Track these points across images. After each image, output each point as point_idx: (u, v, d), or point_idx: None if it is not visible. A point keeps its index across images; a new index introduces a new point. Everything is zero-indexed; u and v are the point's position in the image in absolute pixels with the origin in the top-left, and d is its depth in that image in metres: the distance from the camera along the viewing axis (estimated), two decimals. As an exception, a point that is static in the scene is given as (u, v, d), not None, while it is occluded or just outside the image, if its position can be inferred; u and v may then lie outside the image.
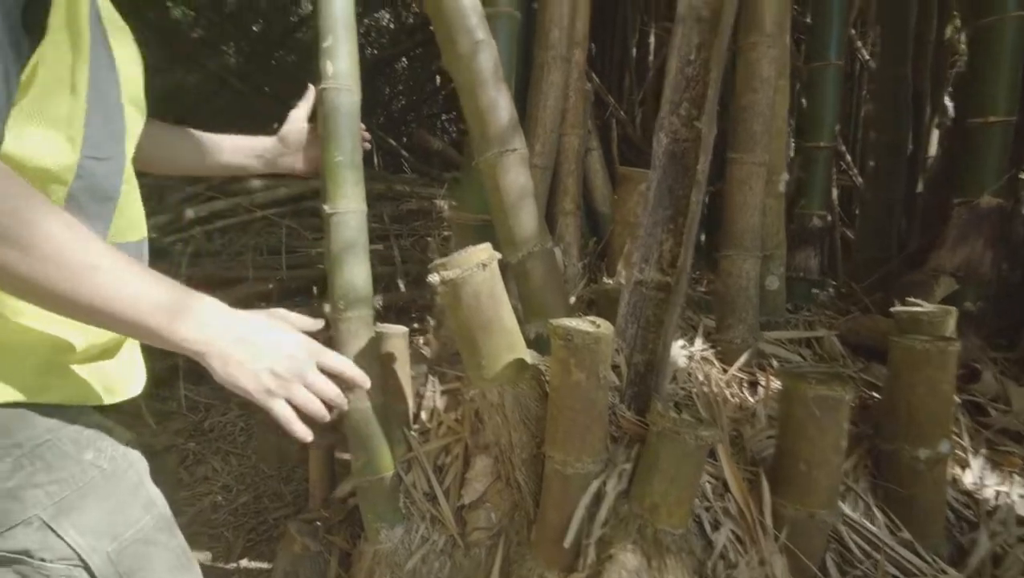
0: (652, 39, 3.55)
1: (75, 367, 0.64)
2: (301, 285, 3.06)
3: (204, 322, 0.61)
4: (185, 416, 2.58)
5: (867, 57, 2.74)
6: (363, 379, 0.75)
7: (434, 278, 0.91)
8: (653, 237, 1.07)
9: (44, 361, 0.61)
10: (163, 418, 2.56)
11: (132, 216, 0.70)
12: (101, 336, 0.65)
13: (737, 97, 1.22)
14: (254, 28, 5.28)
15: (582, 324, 0.91)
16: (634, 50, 3.48)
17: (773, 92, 1.21)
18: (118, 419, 0.74)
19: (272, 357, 0.65)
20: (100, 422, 0.68)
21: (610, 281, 1.39)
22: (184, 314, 0.59)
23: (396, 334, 1.18)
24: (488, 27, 1.06)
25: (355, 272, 1.05)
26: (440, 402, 1.27)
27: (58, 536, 0.61)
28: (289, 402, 0.66)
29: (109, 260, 0.54)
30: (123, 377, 0.71)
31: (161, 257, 2.69)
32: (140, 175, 0.75)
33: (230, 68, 5.34)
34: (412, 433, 1.22)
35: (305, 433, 0.68)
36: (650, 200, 1.07)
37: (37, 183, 0.54)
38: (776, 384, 1.21)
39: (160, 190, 2.88)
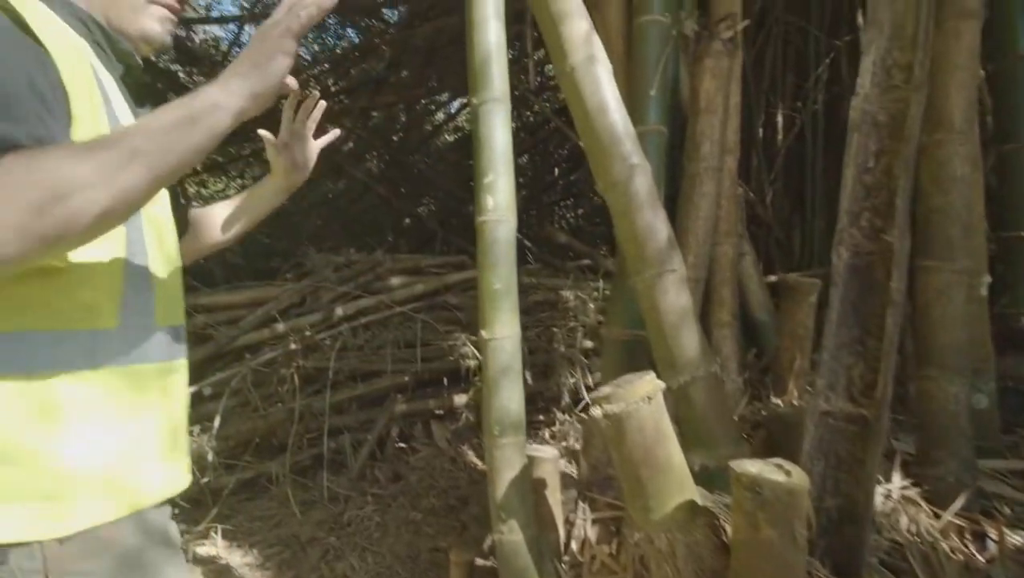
0: (780, 118, 3.42)
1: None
2: (434, 376, 3.17)
3: (225, 88, 0.65)
4: (326, 507, 2.68)
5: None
6: None
7: (596, 412, 0.87)
8: (838, 361, 0.95)
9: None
10: (307, 507, 2.69)
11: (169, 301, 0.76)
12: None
13: (925, 198, 1.09)
14: (394, 138, 5.91)
15: (769, 470, 0.81)
16: (760, 130, 3.37)
17: (969, 190, 1.07)
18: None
19: (269, 43, 0.67)
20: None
21: (778, 401, 1.25)
22: (215, 99, 0.64)
23: (547, 459, 1.14)
24: (640, 149, 1.06)
25: (510, 397, 1.04)
26: (592, 532, 1.18)
27: None
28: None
29: (156, 125, 0.60)
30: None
31: (312, 351, 2.93)
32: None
33: (372, 174, 5.99)
34: (563, 566, 1.14)
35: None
36: (832, 319, 0.96)
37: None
38: (1014, 538, 0.98)
39: (315, 291, 3.19)
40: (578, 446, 3.00)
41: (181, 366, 0.80)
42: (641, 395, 0.85)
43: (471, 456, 2.96)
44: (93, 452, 0.65)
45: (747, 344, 1.40)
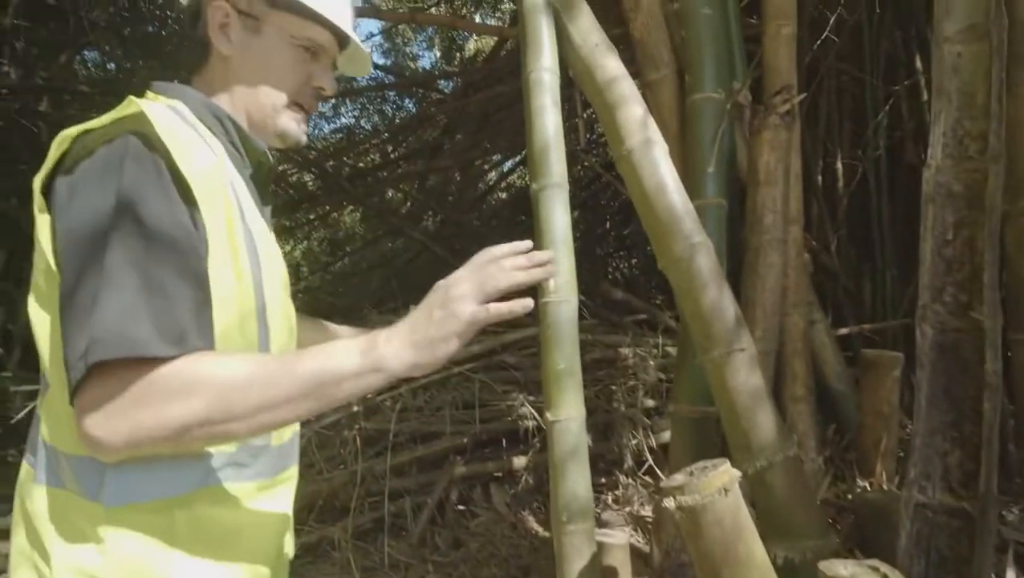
0: (839, 166, 3.34)
1: None
2: (492, 437, 3.15)
3: (395, 355, 0.64)
4: (387, 574, 2.66)
5: None
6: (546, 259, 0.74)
7: (670, 503, 0.84)
8: (932, 448, 0.88)
9: None
10: (368, 574, 2.67)
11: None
12: None
13: (1014, 269, 1.03)
14: (449, 198, 6.14)
15: (863, 573, 0.75)
16: (819, 177, 3.31)
17: (1064, 256, 1.00)
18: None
19: (428, 334, 0.65)
20: None
21: (865, 483, 1.17)
22: (380, 364, 0.63)
23: (618, 545, 1.10)
24: (701, 226, 1.06)
25: (577, 481, 1.02)
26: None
27: None
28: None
29: (319, 371, 0.61)
30: None
31: (374, 413, 2.99)
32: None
33: (429, 233, 6.21)
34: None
35: (522, 305, 0.68)
36: (921, 402, 0.90)
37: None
38: None
39: (377, 352, 3.28)
40: (643, 511, 2.87)
41: (291, 475, 0.80)
42: (717, 487, 0.81)
43: (532, 522, 2.88)
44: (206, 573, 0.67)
45: (825, 419, 1.33)
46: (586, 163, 6.06)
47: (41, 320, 0.65)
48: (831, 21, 2.48)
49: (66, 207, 0.62)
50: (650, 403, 3.28)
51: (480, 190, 6.34)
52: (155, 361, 0.57)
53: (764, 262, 1.21)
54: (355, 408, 2.86)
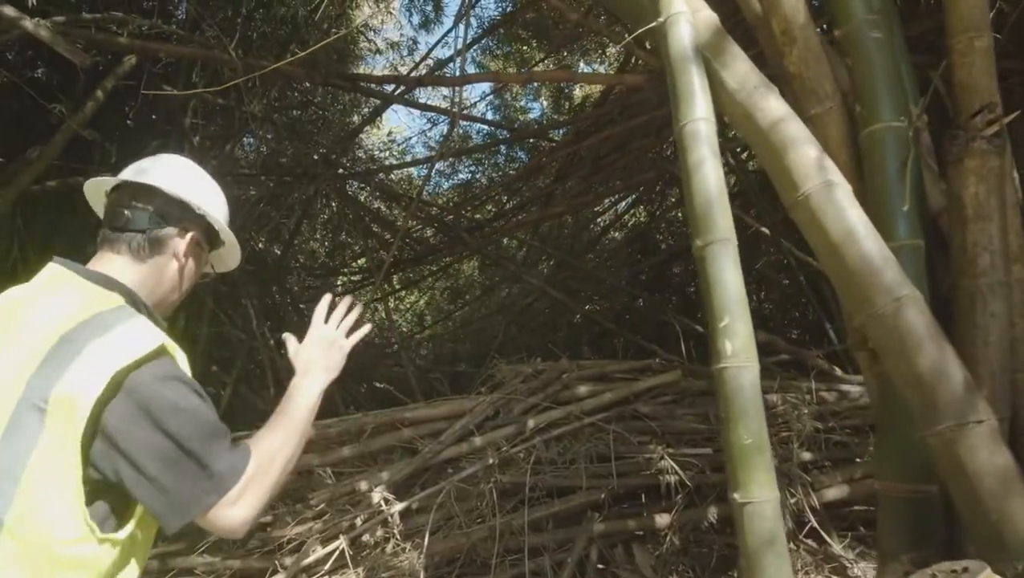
0: None
1: None
2: (630, 492, 3.00)
3: (314, 388, 1.05)
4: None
5: None
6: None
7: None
8: None
9: None
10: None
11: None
12: None
13: None
14: (562, 242, 6.16)
15: None
16: None
17: None
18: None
19: (329, 363, 1.09)
20: None
21: None
22: (312, 400, 1.04)
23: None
24: (906, 277, 0.92)
25: (776, 576, 0.90)
26: None
27: None
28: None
29: (291, 431, 0.98)
30: None
31: (508, 465, 2.97)
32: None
33: (544, 277, 6.26)
34: None
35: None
36: None
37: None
38: None
39: (507, 402, 3.28)
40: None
41: None
42: (975, 598, 0.67)
43: (680, 589, 2.66)
44: None
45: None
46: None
47: None
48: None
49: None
50: (807, 456, 2.95)
51: (593, 232, 6.31)
52: None
53: (984, 312, 1.02)
54: (491, 460, 2.85)
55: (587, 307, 5.42)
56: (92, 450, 0.81)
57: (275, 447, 0.94)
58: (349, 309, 1.13)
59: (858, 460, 3.03)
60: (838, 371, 3.40)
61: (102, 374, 0.80)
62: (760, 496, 0.92)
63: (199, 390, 0.90)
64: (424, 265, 6.12)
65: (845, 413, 3.09)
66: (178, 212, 1.03)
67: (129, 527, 0.86)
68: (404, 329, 7.00)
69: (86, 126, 3.30)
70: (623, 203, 6.07)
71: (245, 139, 5.61)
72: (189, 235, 1.04)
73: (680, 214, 6.48)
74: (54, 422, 0.79)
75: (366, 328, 1.15)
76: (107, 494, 0.84)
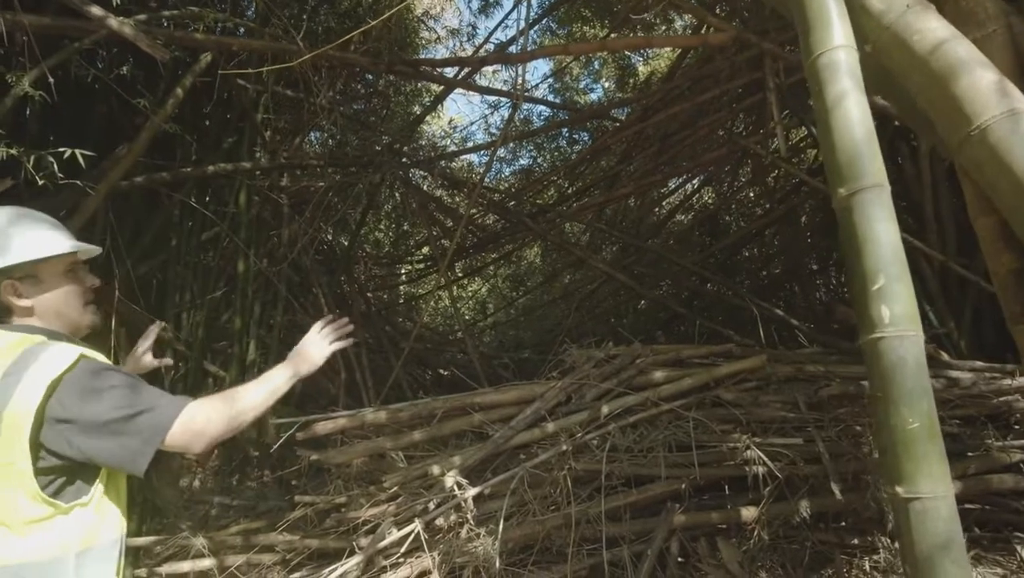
0: None
1: None
2: (712, 482, 2.84)
3: (287, 372, 1.32)
4: (611, 629, 2.47)
5: None
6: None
7: None
8: None
9: None
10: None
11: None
12: None
13: None
14: (625, 224, 5.97)
15: None
16: None
17: None
18: None
19: (307, 357, 1.37)
20: None
21: None
22: (281, 380, 1.30)
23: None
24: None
25: (952, 578, 0.76)
26: None
27: None
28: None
29: (264, 388, 1.26)
30: None
31: (582, 452, 2.87)
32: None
33: (606, 261, 6.09)
34: None
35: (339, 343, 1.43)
36: None
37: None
38: None
39: (579, 388, 3.18)
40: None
41: None
42: None
43: (772, 587, 2.49)
44: None
45: None
46: (783, 170, 5.46)
47: None
48: None
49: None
50: (911, 448, 2.69)
51: (659, 216, 6.07)
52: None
53: None
54: (564, 447, 2.77)
55: (654, 292, 5.21)
56: (42, 438, 1.02)
57: (240, 392, 1.21)
58: (340, 327, 1.41)
59: (970, 454, 2.74)
60: (944, 356, 3.09)
61: (40, 386, 1.02)
62: (932, 491, 0.78)
63: (121, 369, 1.13)
64: (486, 252, 6.08)
65: (956, 402, 2.80)
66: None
67: (95, 488, 1.08)
68: (467, 317, 7.01)
69: (168, 123, 3.43)
70: (691, 184, 5.80)
71: (312, 133, 5.73)
72: (16, 283, 1.16)
73: (752, 193, 6.14)
74: (7, 430, 1.01)
75: (349, 341, 1.43)
76: (68, 471, 1.04)
